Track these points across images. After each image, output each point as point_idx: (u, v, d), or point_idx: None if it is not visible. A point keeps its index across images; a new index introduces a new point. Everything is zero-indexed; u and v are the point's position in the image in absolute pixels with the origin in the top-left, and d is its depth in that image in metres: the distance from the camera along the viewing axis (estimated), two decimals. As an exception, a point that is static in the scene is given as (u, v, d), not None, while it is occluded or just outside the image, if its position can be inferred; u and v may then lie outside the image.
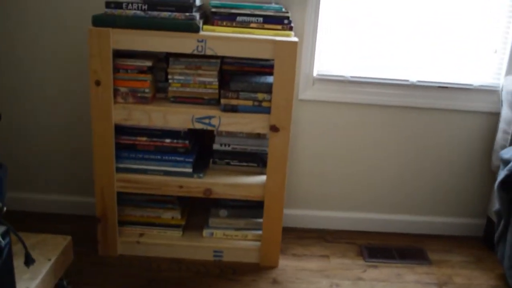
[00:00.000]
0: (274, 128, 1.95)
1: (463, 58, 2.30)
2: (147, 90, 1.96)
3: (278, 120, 1.94)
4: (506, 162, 2.05)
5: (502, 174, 2.01)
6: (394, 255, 2.30)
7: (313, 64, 2.27)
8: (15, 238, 1.41)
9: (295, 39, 1.89)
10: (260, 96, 1.96)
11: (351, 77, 2.30)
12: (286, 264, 2.17)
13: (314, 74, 2.30)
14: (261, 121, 1.96)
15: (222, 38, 1.87)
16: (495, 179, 2.16)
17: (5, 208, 1.42)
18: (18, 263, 1.46)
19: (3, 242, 1.35)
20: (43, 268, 1.64)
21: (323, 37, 2.27)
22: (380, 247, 2.36)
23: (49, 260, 1.69)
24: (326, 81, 2.31)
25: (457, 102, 2.33)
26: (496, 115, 2.34)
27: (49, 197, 2.46)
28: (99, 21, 1.86)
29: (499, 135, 2.27)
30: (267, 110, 1.96)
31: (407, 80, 2.31)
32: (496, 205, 2.12)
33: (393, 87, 2.31)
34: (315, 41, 2.24)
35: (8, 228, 1.37)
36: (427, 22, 2.25)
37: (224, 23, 1.96)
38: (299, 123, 2.35)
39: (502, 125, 2.26)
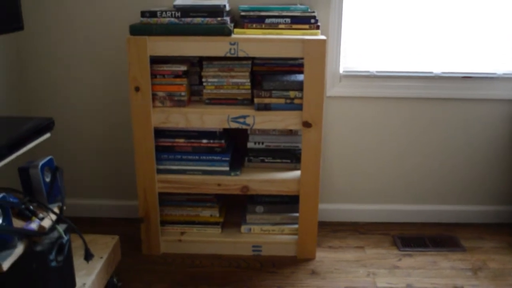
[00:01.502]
0: (306, 124, 2.03)
1: (485, 47, 2.35)
2: (183, 94, 2.05)
3: (310, 116, 2.02)
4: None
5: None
6: (427, 243, 2.34)
7: (339, 61, 2.34)
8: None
9: (323, 37, 1.97)
10: (292, 93, 2.03)
11: (377, 72, 2.36)
12: (323, 256, 2.23)
13: (340, 71, 2.37)
14: (293, 118, 2.04)
15: (253, 40, 1.95)
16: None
17: (64, 207, 1.51)
18: (74, 260, 1.55)
19: (65, 238, 1.44)
20: (96, 264, 1.73)
21: (348, 34, 2.34)
22: (413, 237, 2.40)
23: (101, 257, 1.78)
24: (352, 77, 2.38)
25: (482, 91, 2.38)
26: (522, 102, 2.39)
27: (89, 202, 2.56)
28: (136, 30, 1.96)
29: (526, 121, 2.31)
30: (299, 107, 2.03)
31: (431, 72, 2.36)
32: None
33: (418, 80, 2.37)
34: (340, 39, 2.31)
35: (68, 226, 1.46)
36: (449, 13, 2.31)
37: (254, 26, 2.04)
38: (327, 119, 2.41)
39: (528, 111, 2.30)
